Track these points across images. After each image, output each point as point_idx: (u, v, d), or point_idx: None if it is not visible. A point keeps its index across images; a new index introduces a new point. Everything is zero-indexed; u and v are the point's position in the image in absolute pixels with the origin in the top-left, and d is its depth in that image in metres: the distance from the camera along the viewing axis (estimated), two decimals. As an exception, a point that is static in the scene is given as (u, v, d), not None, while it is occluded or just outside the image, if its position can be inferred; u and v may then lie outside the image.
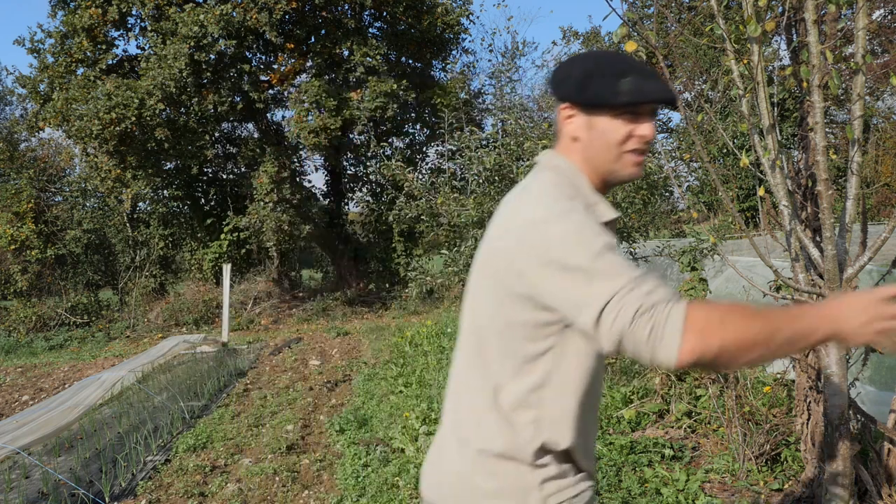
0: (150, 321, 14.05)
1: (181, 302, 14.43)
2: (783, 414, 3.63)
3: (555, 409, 1.33)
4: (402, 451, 4.48)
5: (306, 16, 14.13)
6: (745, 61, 2.46)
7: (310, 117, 13.57)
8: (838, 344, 1.12)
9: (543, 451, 1.33)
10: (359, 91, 13.82)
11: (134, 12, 13.92)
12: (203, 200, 16.28)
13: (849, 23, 2.57)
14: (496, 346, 1.35)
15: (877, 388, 4.14)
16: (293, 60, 14.63)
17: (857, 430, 3.03)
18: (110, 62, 14.27)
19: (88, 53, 13.83)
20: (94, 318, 14.59)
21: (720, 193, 3.16)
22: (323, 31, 14.46)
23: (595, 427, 1.46)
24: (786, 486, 3.46)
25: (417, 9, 14.45)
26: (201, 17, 12.44)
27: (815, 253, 2.57)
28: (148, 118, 12.40)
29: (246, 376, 8.05)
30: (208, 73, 13.28)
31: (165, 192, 16.02)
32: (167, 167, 14.98)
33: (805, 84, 2.54)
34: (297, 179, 15.49)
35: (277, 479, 4.48)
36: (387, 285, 15.90)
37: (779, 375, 3.99)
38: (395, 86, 13.44)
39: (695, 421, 4.36)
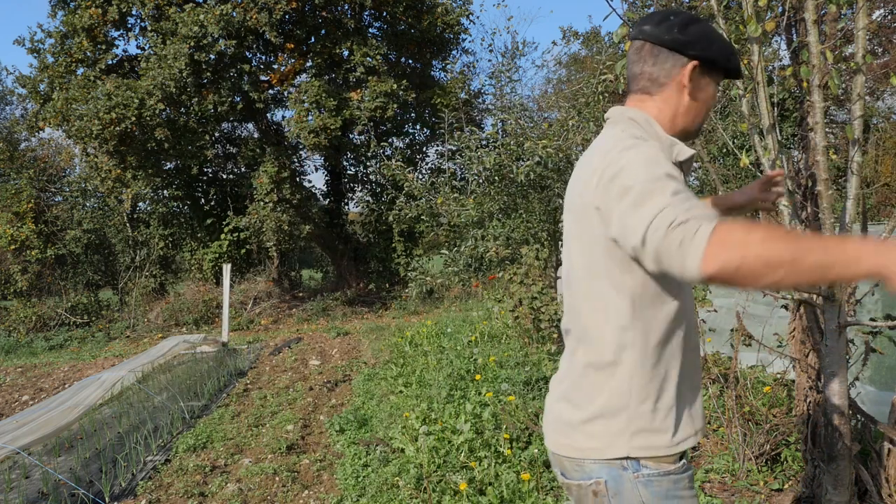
0: (150, 321, 14.04)
1: (181, 302, 14.42)
2: (783, 414, 3.63)
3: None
4: (402, 451, 4.48)
5: (306, 16, 14.13)
6: (745, 61, 2.46)
7: (310, 117, 13.57)
8: (881, 280, 1.07)
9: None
10: (359, 91, 13.82)
11: (134, 12, 13.92)
12: (203, 200, 16.28)
13: (849, 23, 2.57)
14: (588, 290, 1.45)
15: (877, 388, 4.14)
16: (293, 60, 14.62)
17: (857, 430, 3.03)
18: (110, 62, 14.26)
19: (88, 53, 13.82)
20: (94, 318, 14.59)
21: (720, 193, 3.16)
22: (323, 31, 14.46)
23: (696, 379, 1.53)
24: (786, 486, 3.46)
25: (417, 9, 14.45)
26: (201, 17, 12.44)
27: (815, 253, 2.56)
28: (148, 118, 12.40)
29: (246, 376, 8.05)
30: (208, 73, 13.28)
31: (165, 192, 16.01)
32: (167, 167, 14.98)
33: (805, 84, 2.54)
34: (297, 179, 15.48)
35: (277, 479, 4.48)
36: (387, 285, 15.90)
37: (779, 375, 3.99)
38: (395, 86, 13.44)
39: (695, 421, 4.35)
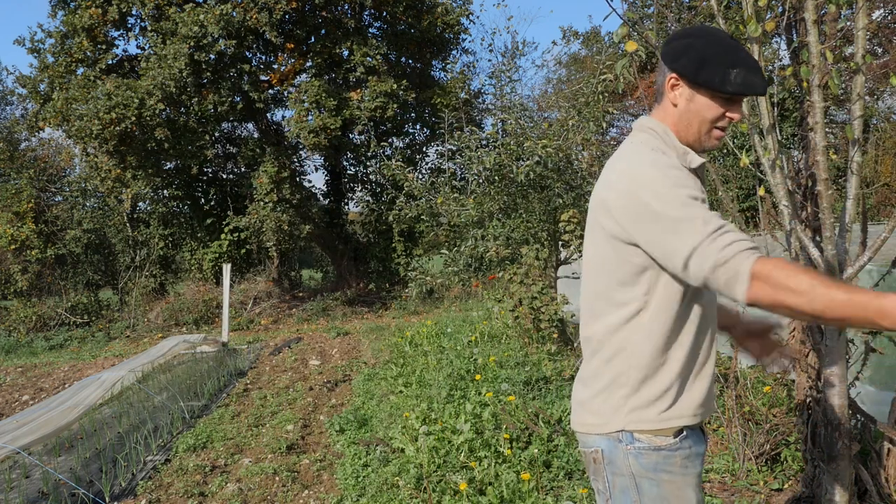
0: (150, 321, 14.04)
1: (181, 302, 14.42)
2: (783, 414, 3.63)
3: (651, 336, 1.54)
4: (402, 451, 4.48)
5: (306, 16, 14.12)
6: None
7: (310, 117, 13.57)
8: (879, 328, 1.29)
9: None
10: (359, 91, 13.82)
11: (134, 12, 13.91)
12: (203, 200, 16.27)
13: (849, 23, 2.57)
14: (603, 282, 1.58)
15: (877, 388, 4.13)
16: (293, 60, 14.62)
17: (857, 430, 3.03)
18: (110, 62, 14.26)
19: (88, 53, 13.82)
20: (94, 318, 14.59)
21: (720, 193, 3.16)
22: (323, 31, 14.46)
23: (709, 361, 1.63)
24: (786, 486, 3.46)
25: (417, 9, 14.45)
26: (201, 17, 12.44)
27: (815, 253, 2.57)
28: (148, 118, 12.40)
29: (246, 376, 8.06)
30: (208, 73, 13.28)
31: (165, 192, 16.01)
32: (167, 167, 14.97)
33: (805, 84, 2.54)
34: (297, 179, 15.48)
35: (277, 478, 4.48)
36: (387, 285, 15.90)
37: (779, 375, 3.99)
38: (395, 86, 13.44)
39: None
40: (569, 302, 6.23)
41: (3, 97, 24.09)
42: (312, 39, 14.56)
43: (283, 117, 17.70)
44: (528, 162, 6.13)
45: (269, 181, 13.60)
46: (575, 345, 6.30)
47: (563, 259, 7.00)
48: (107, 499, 4.29)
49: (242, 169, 15.95)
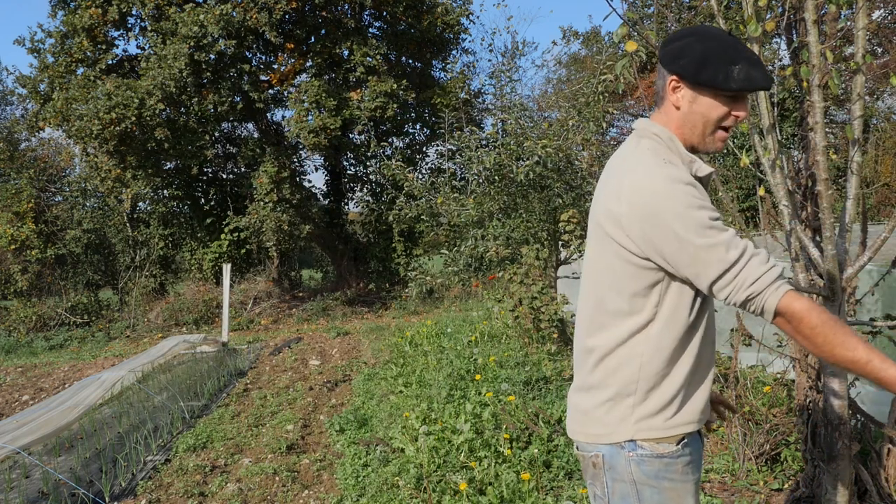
0: (150, 321, 14.04)
1: (181, 302, 14.42)
2: (783, 414, 3.63)
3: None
4: (402, 451, 4.48)
5: (306, 16, 14.12)
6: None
7: (310, 117, 13.56)
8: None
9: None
10: (359, 91, 13.82)
11: (134, 12, 13.91)
12: (203, 200, 16.27)
13: (849, 23, 2.57)
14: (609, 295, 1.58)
15: (877, 388, 4.13)
16: (293, 60, 14.62)
17: (857, 430, 3.03)
18: (110, 62, 14.26)
19: (88, 53, 13.82)
20: (94, 318, 14.59)
21: (720, 193, 3.16)
22: (323, 31, 14.45)
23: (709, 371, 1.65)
24: (786, 486, 3.46)
25: (417, 9, 14.45)
26: (201, 17, 12.44)
27: (815, 253, 2.57)
28: (148, 118, 12.40)
29: (246, 376, 8.06)
30: (208, 73, 13.28)
31: (165, 192, 16.00)
32: (167, 167, 14.97)
33: (805, 84, 2.54)
34: (297, 179, 15.47)
35: (277, 478, 4.48)
36: (387, 285, 15.90)
37: (779, 375, 3.99)
38: (395, 86, 13.44)
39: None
40: (569, 302, 6.23)
41: (2, 97, 24.09)
42: (312, 39, 14.56)
43: (283, 117, 17.70)
44: (528, 162, 6.13)
45: (269, 181, 13.60)
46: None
47: (563, 259, 7.00)
48: (107, 499, 4.29)
49: (242, 169, 15.95)
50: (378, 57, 13.67)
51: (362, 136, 14.86)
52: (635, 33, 2.68)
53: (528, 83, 32.08)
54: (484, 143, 7.36)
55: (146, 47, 14.37)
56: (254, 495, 4.25)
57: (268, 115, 15.76)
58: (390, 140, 15.40)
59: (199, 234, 15.88)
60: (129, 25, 14.49)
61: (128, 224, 16.41)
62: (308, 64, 14.49)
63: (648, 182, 1.46)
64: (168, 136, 12.83)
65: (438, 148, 15.55)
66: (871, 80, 12.75)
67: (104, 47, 14.00)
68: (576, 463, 3.86)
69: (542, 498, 3.51)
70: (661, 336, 1.52)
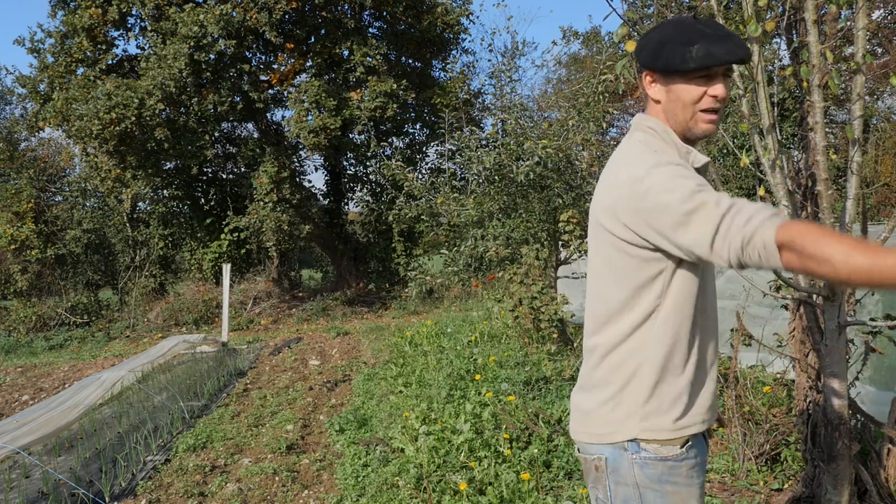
0: (150, 321, 14.04)
1: (181, 302, 14.42)
2: (783, 414, 3.63)
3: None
4: (402, 451, 4.48)
5: (306, 16, 14.12)
6: (745, 61, 2.45)
7: (309, 117, 13.56)
8: None
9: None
10: (359, 91, 13.82)
11: (134, 12, 13.91)
12: (203, 200, 16.27)
13: (849, 23, 2.57)
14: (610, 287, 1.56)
15: (877, 388, 4.13)
16: (293, 60, 14.62)
17: (857, 430, 3.03)
18: (110, 62, 14.26)
19: (88, 53, 13.82)
20: (94, 318, 14.59)
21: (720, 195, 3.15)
22: (323, 31, 14.45)
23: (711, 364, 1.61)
24: (786, 486, 3.46)
25: (417, 9, 14.45)
26: (201, 17, 12.44)
27: (815, 253, 2.56)
28: (148, 118, 12.40)
29: (246, 376, 8.05)
30: (208, 73, 13.27)
31: (165, 192, 16.00)
32: (167, 167, 14.97)
33: (805, 84, 2.54)
34: (297, 179, 15.47)
35: (277, 478, 4.48)
36: (387, 285, 15.90)
37: (779, 375, 3.99)
38: (395, 86, 13.44)
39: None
40: (569, 302, 6.23)
41: (1, 96, 24.09)
42: (312, 39, 14.56)
43: (283, 117, 17.73)
44: (528, 162, 6.13)
45: (268, 181, 13.60)
46: (575, 345, 6.30)
47: (563, 259, 7.00)
48: (107, 499, 4.29)
49: (242, 169, 15.95)
50: (378, 57, 13.67)
51: (362, 136, 14.86)
52: (635, 33, 2.68)
53: (528, 83, 32.09)
54: (484, 143, 7.36)
55: (146, 47, 14.37)
56: (254, 495, 4.25)
57: (268, 115, 15.76)
58: (390, 140, 15.40)
59: (198, 234, 15.89)
60: (129, 25, 14.50)
61: (128, 224, 16.41)
62: (308, 64, 14.49)
63: (637, 170, 1.46)
64: (168, 136, 12.83)
65: (438, 148, 15.55)
66: (871, 80, 12.75)
67: (104, 47, 14.00)
68: (576, 463, 3.86)
69: (542, 498, 3.51)
70: (664, 329, 1.49)
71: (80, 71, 13.97)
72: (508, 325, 7.36)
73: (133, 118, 12.17)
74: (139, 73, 13.25)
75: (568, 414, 3.23)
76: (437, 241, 13.61)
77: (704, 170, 1.60)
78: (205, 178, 16.18)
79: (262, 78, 14.70)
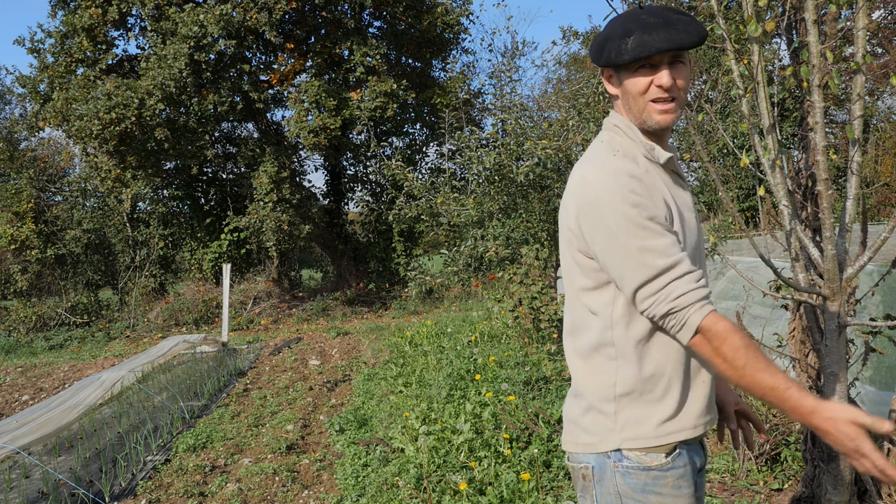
0: (150, 321, 14.04)
1: (181, 302, 14.42)
2: (783, 414, 3.63)
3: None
4: (402, 451, 4.48)
5: (306, 16, 14.12)
6: (745, 61, 2.46)
7: (309, 117, 13.56)
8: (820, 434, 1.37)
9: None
10: (359, 91, 13.82)
11: (134, 12, 13.91)
12: (203, 200, 16.28)
13: (849, 23, 2.57)
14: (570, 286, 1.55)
15: (877, 388, 4.13)
16: (293, 60, 14.62)
17: (857, 430, 3.02)
18: (110, 62, 14.26)
19: (88, 53, 13.82)
20: (94, 318, 14.59)
21: (720, 193, 3.16)
22: (323, 31, 14.46)
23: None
24: (786, 485, 3.46)
25: (417, 8, 14.45)
26: (201, 17, 12.44)
27: (815, 253, 2.57)
28: (148, 118, 12.40)
29: (246, 376, 8.05)
30: (208, 73, 13.27)
31: (165, 192, 16.01)
32: (167, 167, 14.98)
33: (805, 84, 2.54)
34: (297, 179, 15.48)
35: (277, 478, 4.48)
36: (387, 285, 15.91)
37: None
38: (395, 86, 13.44)
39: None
40: (569, 302, 6.22)
41: (2, 96, 24.09)
42: (312, 39, 14.56)
43: (283, 117, 17.72)
44: (527, 162, 6.13)
45: (268, 181, 13.60)
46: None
47: (563, 259, 6.99)
48: (107, 499, 4.29)
49: (242, 169, 15.95)
50: (378, 57, 13.67)
51: (362, 136, 14.86)
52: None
53: (527, 83, 32.10)
54: (484, 143, 7.36)
55: (146, 47, 14.37)
56: (254, 495, 4.25)
57: (268, 115, 15.76)
58: (390, 140, 15.41)
59: (198, 234, 15.89)
60: (129, 25, 14.50)
61: (128, 224, 16.40)
62: (308, 64, 14.49)
63: (593, 174, 1.45)
64: (168, 136, 12.83)
65: (438, 148, 15.56)
66: (871, 80, 12.75)
67: (104, 47, 14.00)
68: (576, 463, 3.86)
69: (542, 498, 3.51)
70: (633, 335, 1.45)
71: (80, 71, 13.97)
72: (508, 325, 7.36)
73: (133, 118, 12.16)
74: (139, 73, 13.25)
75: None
76: (437, 241, 13.61)
77: (671, 163, 1.55)
78: (205, 178, 16.19)
79: (262, 78, 14.70)
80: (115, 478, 4.66)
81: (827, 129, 2.43)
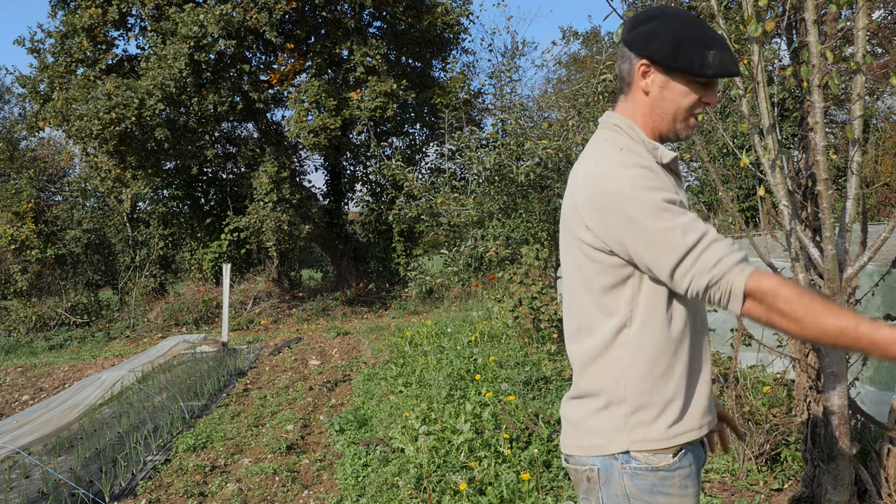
0: (150, 321, 14.04)
1: (181, 302, 14.42)
2: (783, 414, 3.63)
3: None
4: (402, 451, 4.48)
5: (306, 16, 14.12)
6: (745, 61, 2.46)
7: (309, 117, 13.57)
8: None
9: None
10: (359, 91, 13.82)
11: (134, 12, 13.91)
12: (203, 200, 16.28)
13: (849, 23, 2.57)
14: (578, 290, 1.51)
15: (877, 388, 4.13)
16: (293, 60, 14.62)
17: (857, 430, 3.03)
18: (110, 62, 14.26)
19: (88, 53, 13.82)
20: (94, 318, 14.59)
21: (720, 193, 3.16)
22: (323, 31, 14.46)
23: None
24: (786, 485, 3.46)
25: (417, 8, 14.45)
26: (201, 17, 12.44)
27: (815, 253, 2.57)
28: (148, 118, 12.40)
29: (246, 376, 8.05)
30: (208, 73, 13.27)
31: (165, 192, 16.01)
32: (167, 167, 14.98)
33: (805, 84, 2.54)
34: (297, 179, 15.47)
35: (277, 478, 4.48)
36: (387, 285, 15.91)
37: (779, 375, 3.99)
38: (395, 86, 13.44)
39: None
40: (569, 302, 6.22)
41: (2, 96, 24.09)
42: (312, 39, 14.56)
43: (283, 117, 17.71)
44: (528, 162, 6.13)
45: (268, 181, 13.60)
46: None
47: (563, 259, 6.99)
48: (107, 499, 4.29)
49: (242, 169, 15.95)
50: (378, 57, 13.67)
51: (362, 136, 14.86)
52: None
53: (528, 83, 32.09)
54: (484, 143, 7.36)
55: (146, 47, 14.37)
56: (254, 495, 4.25)
57: (268, 115, 15.77)
58: (390, 140, 15.41)
59: (198, 234, 15.89)
60: (129, 25, 14.50)
61: (128, 224, 16.40)
62: (308, 64, 14.49)
63: (601, 169, 1.42)
64: (168, 136, 12.83)
65: (438, 148, 15.56)
66: (871, 80, 12.75)
67: (104, 47, 14.00)
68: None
69: (542, 498, 3.51)
70: (642, 335, 1.43)
71: (80, 71, 13.97)
72: (508, 325, 7.36)
73: (133, 118, 12.16)
74: (139, 73, 13.25)
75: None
76: (437, 241, 13.61)
77: (674, 164, 1.53)
78: (205, 178, 16.19)
79: (262, 78, 14.70)
80: (115, 478, 4.66)
81: (827, 129, 2.43)
